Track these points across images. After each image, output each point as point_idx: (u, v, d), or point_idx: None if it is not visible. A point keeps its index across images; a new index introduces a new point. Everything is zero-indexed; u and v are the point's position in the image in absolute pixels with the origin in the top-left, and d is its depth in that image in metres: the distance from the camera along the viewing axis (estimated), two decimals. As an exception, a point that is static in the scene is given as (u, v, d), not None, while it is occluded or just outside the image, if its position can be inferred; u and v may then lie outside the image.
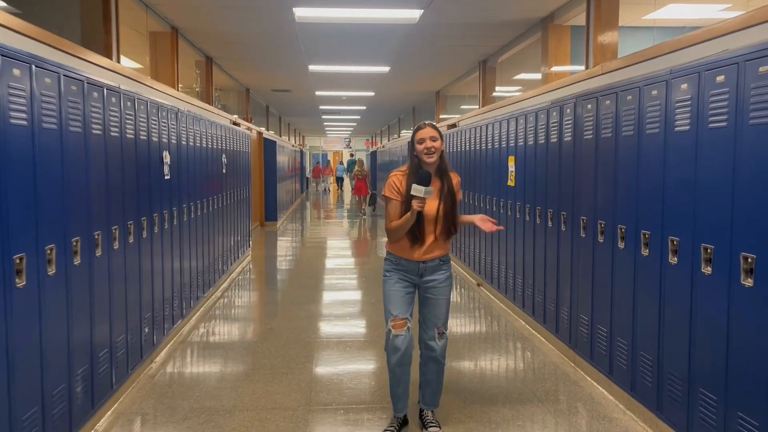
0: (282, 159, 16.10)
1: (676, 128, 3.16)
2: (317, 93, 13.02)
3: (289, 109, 18.08)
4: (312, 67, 9.46)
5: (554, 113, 4.88)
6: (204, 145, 6.36)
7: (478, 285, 7.39)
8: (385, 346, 3.18)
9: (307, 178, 32.04)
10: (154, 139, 4.59)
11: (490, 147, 6.85)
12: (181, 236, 5.37)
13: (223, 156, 7.41)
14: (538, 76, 9.56)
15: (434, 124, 3.18)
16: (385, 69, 9.60)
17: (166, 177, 4.88)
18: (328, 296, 6.86)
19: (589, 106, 4.22)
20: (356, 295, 6.99)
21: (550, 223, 4.97)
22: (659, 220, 3.32)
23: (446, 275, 3.24)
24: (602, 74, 4.62)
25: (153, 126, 4.55)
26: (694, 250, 3.00)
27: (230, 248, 7.91)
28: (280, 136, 19.46)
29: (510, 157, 6.06)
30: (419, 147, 3.08)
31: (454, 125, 10.54)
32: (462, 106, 13.44)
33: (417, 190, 2.94)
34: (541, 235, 5.19)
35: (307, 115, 20.38)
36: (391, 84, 11.52)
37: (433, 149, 3.07)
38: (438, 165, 3.15)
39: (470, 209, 7.89)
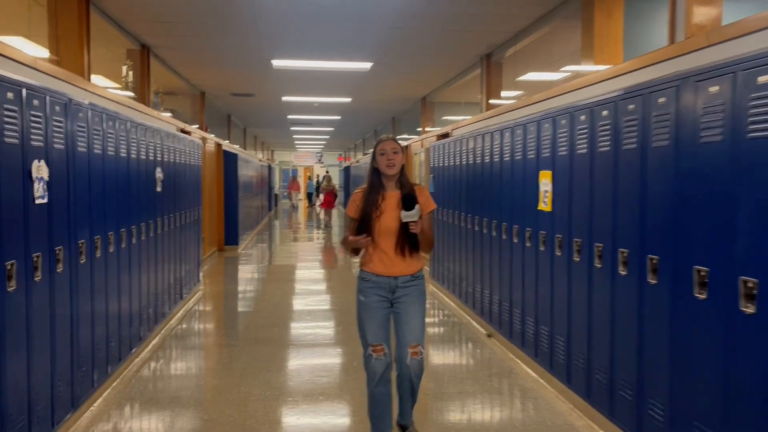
0: (246, 174, 14.36)
1: None
2: (284, 98, 11.32)
3: (254, 119, 16.32)
4: (276, 63, 7.78)
5: (630, 106, 3.29)
6: (125, 155, 4.63)
7: (489, 336, 5.75)
8: (365, 368, 3.17)
9: (276, 194, 30.26)
10: (12, 140, 2.86)
11: (507, 159, 5.25)
12: (75, 289, 3.62)
13: (158, 170, 5.67)
14: (552, 75, 8.04)
15: (395, 138, 3.22)
16: (366, 66, 7.97)
17: (39, 201, 3.14)
18: (294, 357, 5.14)
19: (714, 89, 2.62)
20: (333, 355, 5.30)
21: (622, 270, 3.36)
22: None
23: (419, 290, 3.22)
24: (708, 46, 3.06)
25: (8, 119, 2.83)
26: None
27: (168, 289, 6.14)
28: (245, 149, 17.68)
29: (543, 172, 4.46)
30: (381, 159, 3.12)
31: (445, 135, 8.98)
32: (445, 117, 11.88)
33: (409, 216, 3.00)
34: (603, 286, 3.58)
35: (275, 127, 18.62)
36: (372, 86, 9.90)
37: (394, 161, 3.11)
38: (398, 179, 3.17)
39: (472, 237, 6.27)
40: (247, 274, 9.88)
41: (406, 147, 12.20)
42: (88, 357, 3.86)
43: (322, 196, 18.60)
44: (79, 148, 3.71)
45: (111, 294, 4.31)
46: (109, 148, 4.28)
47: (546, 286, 4.43)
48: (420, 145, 10.89)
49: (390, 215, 3.10)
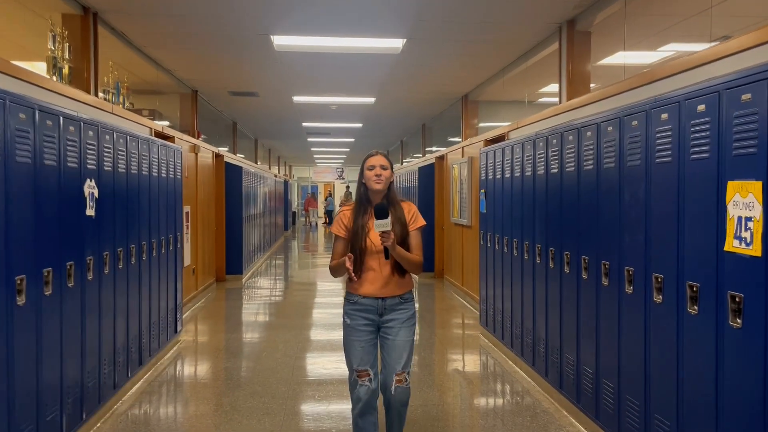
0: (255, 190, 12.48)
1: None
2: (296, 99, 9.41)
3: (264, 129, 14.45)
4: (279, 40, 5.85)
5: None
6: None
7: (596, 441, 3.69)
8: (350, 393, 3.11)
9: (294, 212, 28.45)
10: None
11: (635, 163, 3.24)
12: None
13: (88, 183, 3.75)
14: (644, 56, 6.01)
15: (385, 153, 3.35)
16: (397, 44, 5.99)
17: None
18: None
19: None
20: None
21: None
22: None
23: (408, 314, 3.12)
24: None
25: None
26: None
27: (113, 357, 4.19)
28: (256, 163, 15.85)
29: (738, 184, 2.43)
30: (369, 173, 3.10)
31: (498, 139, 6.99)
32: (483, 124, 9.85)
33: (381, 225, 2.91)
34: None
35: (291, 139, 16.76)
36: (403, 79, 7.94)
37: (382, 177, 3.09)
38: (385, 195, 3.12)
39: (558, 281, 4.25)
40: (247, 314, 7.91)
41: (443, 157, 10.22)
42: None
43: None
44: None
45: None
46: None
47: (753, 396, 2.37)
48: (460, 154, 8.88)
49: (375, 235, 3.00)
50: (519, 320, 5.19)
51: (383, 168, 3.09)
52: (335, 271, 3.12)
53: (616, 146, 3.45)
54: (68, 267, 3.47)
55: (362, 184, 3.15)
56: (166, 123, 8.17)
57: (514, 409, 4.33)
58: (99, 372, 3.95)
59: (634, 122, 3.24)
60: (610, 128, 3.53)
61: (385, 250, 2.96)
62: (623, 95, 3.99)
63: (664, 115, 2.96)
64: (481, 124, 9.41)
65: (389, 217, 2.91)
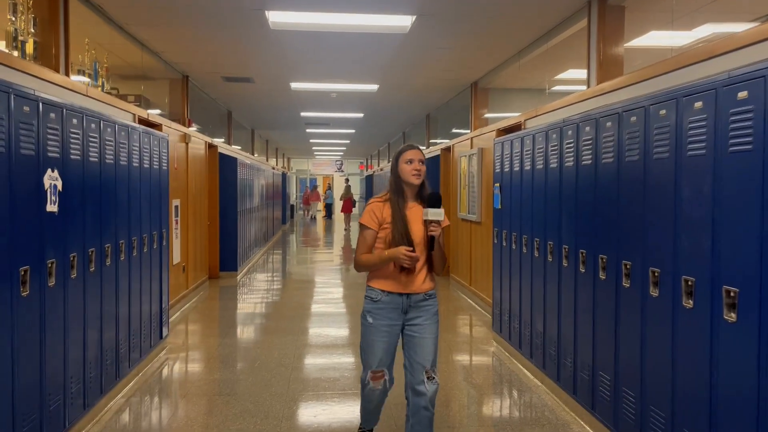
0: (251, 182, 11.94)
1: None
2: (293, 86, 8.83)
3: (261, 119, 13.86)
4: (274, 17, 5.29)
5: None
6: None
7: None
8: (361, 390, 3.16)
9: (292, 205, 27.92)
10: None
11: (698, 153, 2.71)
12: None
13: (49, 174, 3.21)
14: (680, 36, 5.44)
15: (420, 148, 3.13)
16: (405, 22, 5.42)
17: None
18: None
19: None
20: None
21: None
22: None
23: (433, 311, 3.09)
24: None
25: None
26: None
27: (89, 370, 3.66)
28: (252, 155, 15.28)
29: None
30: (408, 167, 3.07)
31: (513, 128, 6.46)
32: (488, 114, 9.29)
33: (436, 213, 2.91)
34: None
35: (289, 129, 16.16)
36: (409, 65, 7.36)
37: (421, 171, 3.06)
38: (419, 190, 3.11)
39: (590, 288, 3.73)
40: (242, 315, 7.38)
41: (449, 149, 9.68)
42: None
43: (341, 203, 22.12)
44: None
45: None
46: None
47: None
48: (469, 146, 8.34)
49: (413, 228, 2.99)
50: (540, 328, 4.67)
51: (421, 162, 3.07)
52: (369, 265, 3.04)
53: (671, 133, 2.91)
54: (22, 273, 2.94)
55: (398, 177, 3.09)
56: (157, 111, 7.63)
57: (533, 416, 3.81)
58: (64, 392, 3.43)
59: (698, 104, 2.71)
60: (662, 112, 2.99)
61: (430, 241, 2.96)
62: (670, 75, 3.45)
63: (742, 94, 2.42)
64: (492, 114, 8.86)
65: (442, 208, 2.91)
